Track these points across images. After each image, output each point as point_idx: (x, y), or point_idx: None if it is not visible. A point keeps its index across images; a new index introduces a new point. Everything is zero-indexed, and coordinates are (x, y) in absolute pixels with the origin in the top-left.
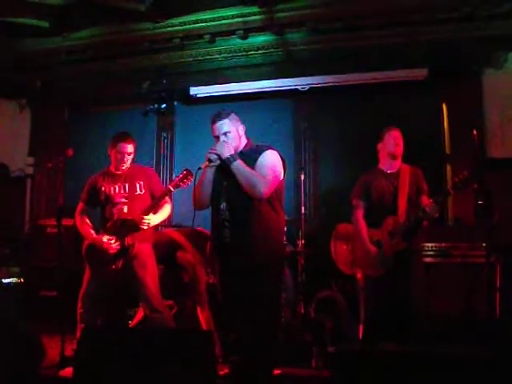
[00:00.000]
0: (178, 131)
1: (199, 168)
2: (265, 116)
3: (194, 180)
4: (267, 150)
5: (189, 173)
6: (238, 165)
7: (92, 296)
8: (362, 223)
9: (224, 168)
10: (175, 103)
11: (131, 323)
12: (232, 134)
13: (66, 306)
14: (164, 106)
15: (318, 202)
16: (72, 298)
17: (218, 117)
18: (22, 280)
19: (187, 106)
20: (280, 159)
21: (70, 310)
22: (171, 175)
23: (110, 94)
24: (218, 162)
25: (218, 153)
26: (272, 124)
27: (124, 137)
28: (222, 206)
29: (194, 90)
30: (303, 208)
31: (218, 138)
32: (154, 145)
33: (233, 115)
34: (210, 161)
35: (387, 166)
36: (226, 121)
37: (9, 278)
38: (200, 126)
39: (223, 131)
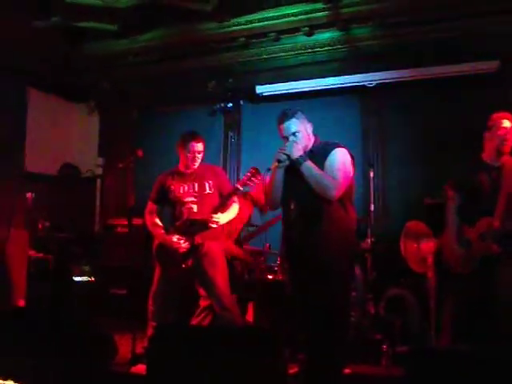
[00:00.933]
0: (244, 130)
1: (268, 169)
2: (332, 113)
3: (268, 179)
4: (336, 147)
5: (256, 171)
6: (308, 166)
7: (162, 294)
8: (452, 218)
9: (293, 168)
10: (241, 102)
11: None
12: (301, 133)
13: (135, 304)
14: (230, 105)
15: (387, 199)
16: (142, 296)
17: (285, 117)
18: (93, 279)
19: (253, 104)
20: (349, 157)
21: (139, 308)
22: (238, 174)
23: (177, 94)
24: (288, 162)
25: (288, 153)
26: (339, 121)
27: (194, 136)
28: (291, 206)
29: (260, 89)
30: (372, 205)
31: (286, 138)
32: (220, 144)
33: (300, 114)
34: (279, 161)
35: (492, 158)
36: (294, 120)
37: (81, 276)
38: (267, 124)
39: (292, 131)
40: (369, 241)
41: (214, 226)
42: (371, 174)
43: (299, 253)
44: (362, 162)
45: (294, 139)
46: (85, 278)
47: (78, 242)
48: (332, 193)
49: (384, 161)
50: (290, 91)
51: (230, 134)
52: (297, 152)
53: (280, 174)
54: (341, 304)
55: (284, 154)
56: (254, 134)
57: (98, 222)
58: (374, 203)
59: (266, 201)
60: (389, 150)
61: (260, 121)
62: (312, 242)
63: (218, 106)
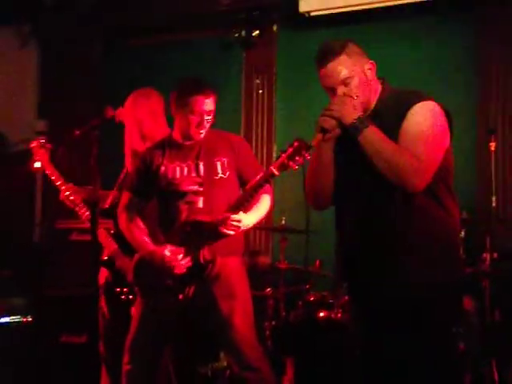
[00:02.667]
0: (280, 75)
1: (309, 147)
2: (415, 43)
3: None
4: (418, 101)
5: (303, 145)
6: (372, 136)
7: (146, 344)
8: None
9: (349, 140)
10: (275, 27)
11: None
12: (356, 79)
13: (99, 360)
14: (257, 32)
15: None
16: (113, 347)
17: (328, 54)
18: (29, 318)
19: (295, 31)
20: (442, 117)
21: (110, 367)
22: (270, 149)
23: (168, 16)
24: (338, 131)
25: (337, 116)
26: (429, 55)
27: (199, 85)
28: (350, 201)
29: (305, 6)
30: (494, 198)
31: (332, 90)
32: (239, 99)
33: (351, 46)
34: (324, 131)
35: None
36: (343, 58)
37: (8, 315)
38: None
39: (340, 77)
40: (487, 258)
41: (232, 232)
42: (492, 147)
43: (366, 279)
44: (475, 125)
45: (345, 91)
46: (15, 318)
47: (3, 259)
48: (415, 180)
49: None
50: (354, 8)
51: (256, 81)
52: (351, 112)
53: (328, 150)
54: (439, 364)
55: (331, 116)
56: (295, 82)
57: (38, 226)
58: (497, 195)
59: (307, 195)
60: None
61: (306, 59)
62: (386, 256)
63: (237, 35)
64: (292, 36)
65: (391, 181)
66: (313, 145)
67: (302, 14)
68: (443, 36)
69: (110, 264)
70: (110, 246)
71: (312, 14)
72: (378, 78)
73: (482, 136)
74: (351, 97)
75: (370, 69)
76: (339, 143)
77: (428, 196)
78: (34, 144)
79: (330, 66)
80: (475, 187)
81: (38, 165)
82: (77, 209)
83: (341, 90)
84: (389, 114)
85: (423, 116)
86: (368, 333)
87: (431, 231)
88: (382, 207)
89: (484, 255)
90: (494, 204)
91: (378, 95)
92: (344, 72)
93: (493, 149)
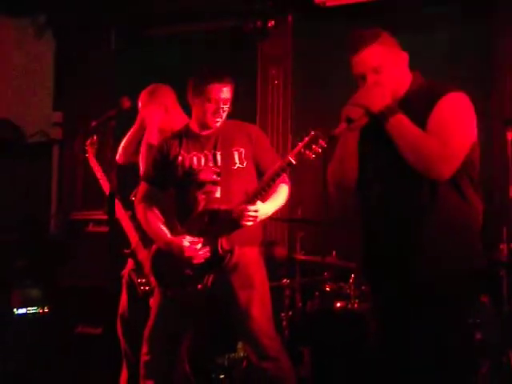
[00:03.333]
0: (296, 65)
1: (331, 136)
2: (429, 34)
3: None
4: (448, 92)
5: (319, 135)
6: (401, 124)
7: (164, 334)
8: None
9: (375, 129)
10: (291, 17)
11: None
12: (387, 69)
13: (118, 352)
14: (272, 22)
15: None
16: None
17: (360, 41)
18: (45, 309)
19: (313, 21)
20: (472, 109)
21: (127, 358)
22: (286, 139)
23: (183, 5)
24: (365, 119)
25: (365, 104)
26: (443, 46)
27: (216, 73)
28: (373, 192)
29: None
30: (511, 189)
31: (362, 77)
32: (254, 89)
33: (385, 36)
34: (349, 120)
35: None
36: (376, 46)
37: (25, 306)
38: (335, 55)
39: (372, 66)
40: (505, 249)
41: (250, 222)
42: (509, 137)
43: (386, 265)
44: (490, 116)
45: (376, 80)
46: (32, 309)
47: (20, 250)
48: (441, 167)
49: None
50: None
51: (272, 71)
52: (381, 101)
53: (353, 140)
54: (457, 353)
55: (359, 105)
56: (313, 73)
57: (54, 217)
58: None
59: (329, 183)
60: None
61: (323, 50)
62: (408, 247)
63: (251, 25)
64: (310, 27)
65: (417, 169)
66: (335, 134)
67: (318, 5)
68: (457, 27)
69: (133, 256)
70: (132, 238)
71: (327, 4)
72: (411, 70)
73: (498, 126)
74: (380, 86)
75: (402, 59)
76: (365, 132)
77: (452, 187)
78: (88, 142)
79: (362, 53)
80: (493, 177)
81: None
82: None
83: (371, 78)
84: (418, 104)
85: (453, 106)
86: (388, 319)
87: (454, 221)
88: (407, 193)
89: (501, 246)
90: (511, 194)
91: (408, 86)
92: (376, 60)
93: (510, 139)
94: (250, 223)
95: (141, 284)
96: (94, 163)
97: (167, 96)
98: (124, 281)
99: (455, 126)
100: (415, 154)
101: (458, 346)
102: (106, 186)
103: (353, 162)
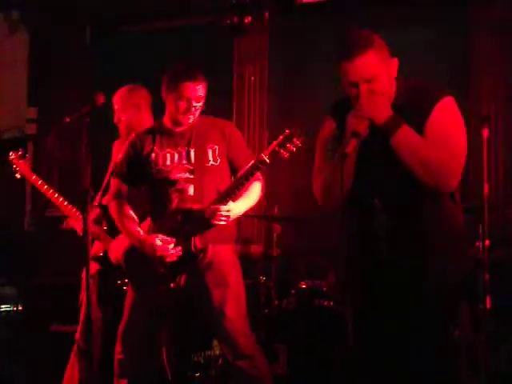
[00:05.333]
0: (273, 63)
1: (344, 155)
2: (406, 29)
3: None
4: (441, 98)
5: (294, 133)
6: (406, 136)
7: (138, 333)
8: None
9: (374, 139)
10: (267, 14)
11: None
12: (382, 77)
13: (90, 349)
14: (249, 18)
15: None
16: (104, 336)
17: (356, 47)
18: (19, 307)
19: (289, 17)
20: (459, 112)
21: (102, 356)
22: (262, 136)
23: (158, 1)
24: (367, 131)
25: (370, 116)
26: (420, 42)
27: (190, 72)
28: (373, 201)
29: None
30: (486, 186)
31: (355, 85)
32: (230, 87)
33: (378, 40)
34: (356, 135)
35: None
36: (371, 54)
37: None
38: (312, 53)
39: (367, 74)
40: (479, 246)
41: (222, 222)
42: (484, 134)
43: (387, 275)
44: (466, 114)
45: (371, 88)
46: (6, 307)
47: None
48: (451, 181)
49: (509, 113)
50: None
51: (248, 69)
52: (384, 112)
53: (353, 153)
54: (440, 352)
55: (363, 118)
56: (289, 69)
57: (28, 213)
58: (489, 182)
59: (320, 194)
60: None
61: (300, 47)
62: (410, 256)
63: (228, 21)
64: (286, 23)
65: (426, 182)
66: (347, 153)
67: (294, 1)
68: (434, 25)
69: (105, 260)
70: (105, 241)
71: (304, 1)
72: (399, 77)
73: (474, 124)
74: (379, 95)
75: (393, 66)
76: (361, 148)
77: (448, 194)
78: (12, 156)
79: (357, 61)
80: (469, 176)
81: (18, 176)
82: (65, 208)
83: (364, 87)
84: (411, 110)
85: (450, 115)
86: (381, 319)
87: (451, 228)
88: (408, 203)
89: (477, 243)
90: (485, 192)
91: (395, 92)
92: (371, 70)
93: (485, 136)
94: (222, 222)
95: (122, 285)
96: (30, 176)
97: (143, 97)
98: (92, 281)
99: (457, 135)
100: (425, 168)
101: (442, 345)
102: (54, 198)
103: (349, 175)
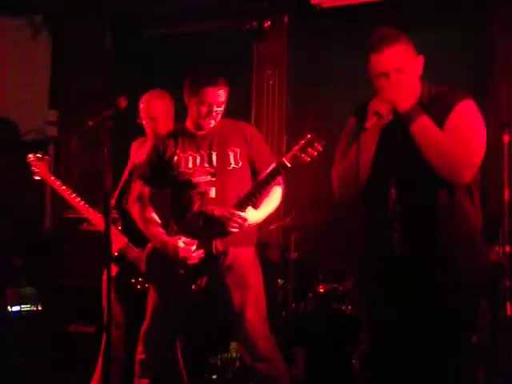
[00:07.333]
0: (292, 67)
1: (363, 128)
2: (426, 34)
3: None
4: (462, 99)
5: (315, 138)
6: (427, 125)
7: (160, 334)
8: None
9: (393, 130)
10: (287, 18)
11: None
12: (409, 70)
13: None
14: (268, 23)
15: None
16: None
17: (386, 39)
18: (39, 307)
19: (309, 22)
20: (481, 115)
21: (120, 356)
22: (281, 140)
23: (179, 7)
24: (390, 117)
25: (394, 101)
26: (440, 47)
27: (211, 76)
28: (389, 191)
29: None
30: (507, 192)
31: (385, 75)
32: (250, 91)
33: (405, 38)
34: (378, 115)
35: None
36: (400, 46)
37: (19, 304)
38: (332, 56)
39: (396, 64)
40: (499, 251)
41: (236, 229)
42: (505, 139)
43: (401, 271)
44: (486, 117)
45: (400, 80)
46: (26, 307)
47: (15, 248)
48: (466, 173)
49: None
50: (366, 0)
51: (268, 72)
52: (407, 100)
53: (372, 138)
54: (460, 357)
55: (387, 101)
56: (308, 73)
57: (49, 215)
58: (510, 188)
59: (337, 186)
60: None
61: (319, 51)
62: (425, 253)
63: (248, 27)
64: (305, 28)
65: (441, 172)
66: (367, 127)
67: (314, 6)
68: (454, 28)
69: (120, 259)
70: (119, 240)
71: (324, 5)
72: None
73: (494, 128)
74: (406, 85)
75: (419, 63)
76: (383, 133)
77: (466, 194)
78: (31, 158)
79: (387, 52)
80: (488, 181)
81: (37, 177)
82: (85, 211)
83: (395, 77)
84: (433, 112)
85: (469, 113)
86: (398, 318)
87: (468, 228)
88: (425, 198)
89: (496, 248)
90: (506, 197)
91: (420, 91)
92: (400, 61)
93: (506, 141)
94: (235, 230)
95: (136, 283)
96: (48, 178)
97: (170, 103)
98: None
99: (475, 131)
100: (441, 158)
101: (459, 347)
102: (72, 200)
103: (368, 162)
